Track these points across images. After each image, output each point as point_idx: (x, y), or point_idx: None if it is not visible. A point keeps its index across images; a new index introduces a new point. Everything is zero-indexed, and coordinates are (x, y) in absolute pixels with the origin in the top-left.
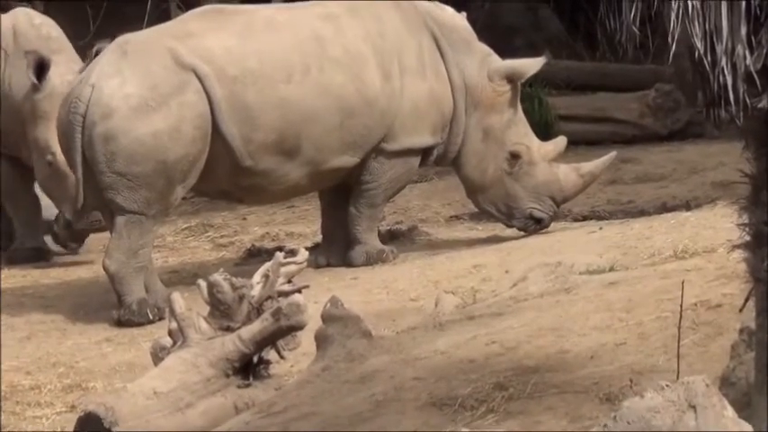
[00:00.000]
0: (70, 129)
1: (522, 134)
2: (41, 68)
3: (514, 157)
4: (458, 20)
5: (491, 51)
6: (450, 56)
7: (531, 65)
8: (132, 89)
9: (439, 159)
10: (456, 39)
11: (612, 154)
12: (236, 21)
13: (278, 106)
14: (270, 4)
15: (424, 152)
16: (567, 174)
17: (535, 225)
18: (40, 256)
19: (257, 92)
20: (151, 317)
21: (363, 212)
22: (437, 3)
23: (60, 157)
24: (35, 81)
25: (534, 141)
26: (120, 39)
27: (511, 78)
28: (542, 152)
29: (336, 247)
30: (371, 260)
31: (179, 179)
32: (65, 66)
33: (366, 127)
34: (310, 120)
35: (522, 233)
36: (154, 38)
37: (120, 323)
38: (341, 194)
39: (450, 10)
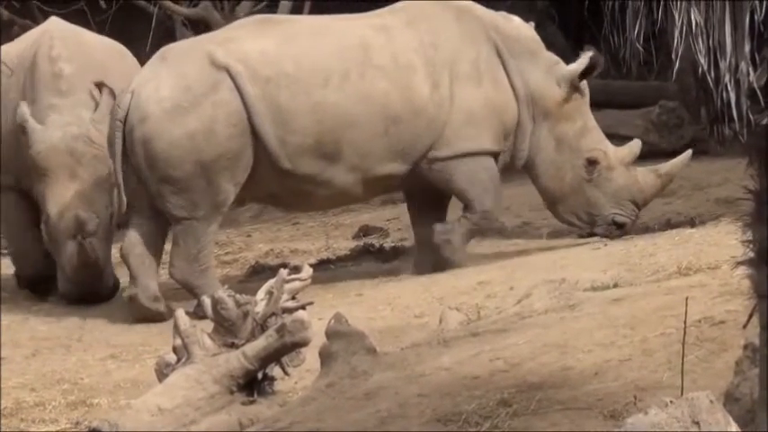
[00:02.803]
0: (111, 135)
1: (597, 140)
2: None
3: (592, 163)
4: (523, 30)
5: (559, 60)
6: (512, 65)
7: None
8: (167, 92)
9: (505, 169)
10: (519, 49)
11: (688, 152)
12: (281, 28)
13: (313, 110)
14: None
15: None
16: (646, 175)
17: (618, 230)
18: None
19: (291, 95)
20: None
21: (466, 218)
22: (504, 14)
23: (53, 222)
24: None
25: (610, 146)
26: (164, 48)
27: (573, 83)
28: (618, 156)
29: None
30: (445, 264)
31: (224, 178)
32: (69, 113)
33: (413, 135)
34: (350, 125)
35: (525, 250)
36: (194, 44)
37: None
38: (430, 203)
39: (516, 20)
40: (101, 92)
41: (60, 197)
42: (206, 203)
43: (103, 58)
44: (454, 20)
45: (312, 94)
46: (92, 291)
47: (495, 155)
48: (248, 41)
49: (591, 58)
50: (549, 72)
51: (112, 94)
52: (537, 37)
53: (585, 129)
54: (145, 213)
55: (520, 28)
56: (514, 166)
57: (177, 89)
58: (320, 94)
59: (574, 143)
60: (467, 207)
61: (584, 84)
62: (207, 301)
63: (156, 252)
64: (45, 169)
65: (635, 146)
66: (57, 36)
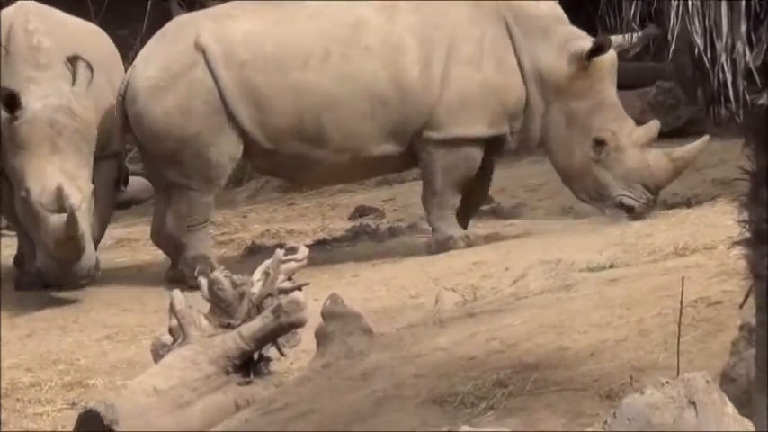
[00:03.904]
0: (116, 108)
1: (609, 119)
2: (12, 103)
3: (599, 143)
4: (541, 7)
5: (576, 37)
6: (521, 44)
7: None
8: (151, 71)
9: (520, 149)
10: (531, 27)
11: (705, 138)
12: (282, 8)
13: (291, 92)
14: None
15: (494, 142)
16: (659, 159)
17: (627, 214)
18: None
19: (268, 77)
20: (197, 272)
21: (429, 200)
22: None
23: (34, 197)
24: (9, 115)
25: (625, 127)
26: (171, 21)
27: (580, 62)
28: (633, 137)
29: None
30: (440, 248)
31: (212, 153)
32: (49, 85)
33: (402, 115)
34: (332, 106)
35: (520, 231)
36: (194, 19)
37: (172, 280)
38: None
39: None
40: (74, 66)
41: (41, 171)
42: (198, 177)
43: (79, 34)
44: None
45: (290, 76)
46: (72, 269)
47: (499, 138)
48: (242, 20)
49: (595, 41)
50: (561, 50)
51: (89, 67)
52: (556, 13)
53: (598, 107)
54: (164, 195)
55: (537, 5)
56: (529, 147)
57: (160, 68)
58: (299, 75)
59: (584, 122)
60: (426, 188)
61: (608, 61)
62: (203, 281)
63: None
64: (24, 141)
65: (652, 127)
66: (32, 11)
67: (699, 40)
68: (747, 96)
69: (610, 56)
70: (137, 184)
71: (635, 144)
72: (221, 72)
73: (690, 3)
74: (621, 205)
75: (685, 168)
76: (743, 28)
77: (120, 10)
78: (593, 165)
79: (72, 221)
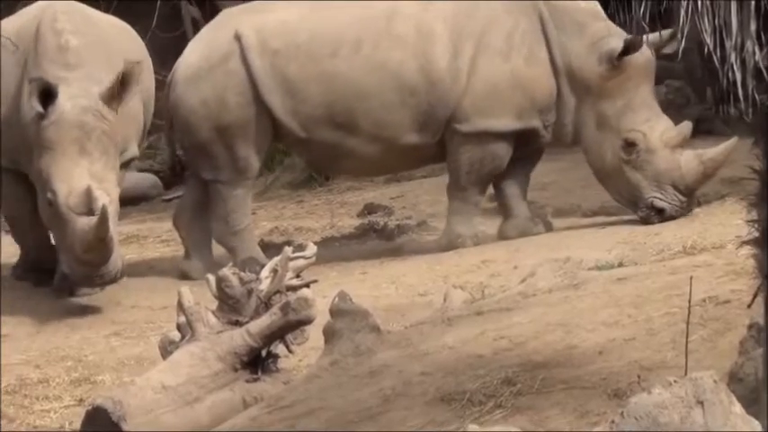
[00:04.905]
0: (164, 96)
1: (640, 120)
2: (47, 95)
3: (630, 144)
4: (579, 3)
5: (610, 34)
6: (554, 38)
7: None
8: (193, 59)
9: (555, 141)
10: (566, 21)
11: (734, 140)
12: None
13: (322, 80)
14: None
15: (525, 136)
16: (689, 161)
17: (657, 216)
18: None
19: (299, 65)
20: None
21: (453, 194)
22: None
23: (61, 199)
24: (41, 110)
25: (656, 127)
26: (224, 11)
27: (612, 62)
28: (665, 138)
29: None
30: (449, 245)
31: (240, 145)
32: (78, 86)
33: (430, 105)
34: (362, 95)
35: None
36: (240, 11)
37: (181, 275)
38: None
39: None
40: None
41: (68, 173)
42: (227, 168)
43: (108, 33)
44: None
45: (321, 65)
46: (99, 272)
47: (530, 132)
48: (277, 10)
49: (626, 41)
50: (592, 47)
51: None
52: (593, 8)
53: (628, 108)
54: (196, 179)
55: (577, 2)
56: (562, 141)
57: (201, 57)
58: (329, 64)
59: (614, 122)
60: (451, 181)
61: (643, 60)
62: (211, 278)
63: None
64: (52, 143)
65: (685, 128)
66: (60, 10)
67: (708, 39)
68: (757, 95)
69: (645, 55)
70: (145, 180)
71: (666, 145)
72: (256, 62)
73: (700, 2)
74: (653, 207)
75: (716, 170)
76: (753, 27)
77: (130, 6)
78: (625, 166)
79: (103, 223)
